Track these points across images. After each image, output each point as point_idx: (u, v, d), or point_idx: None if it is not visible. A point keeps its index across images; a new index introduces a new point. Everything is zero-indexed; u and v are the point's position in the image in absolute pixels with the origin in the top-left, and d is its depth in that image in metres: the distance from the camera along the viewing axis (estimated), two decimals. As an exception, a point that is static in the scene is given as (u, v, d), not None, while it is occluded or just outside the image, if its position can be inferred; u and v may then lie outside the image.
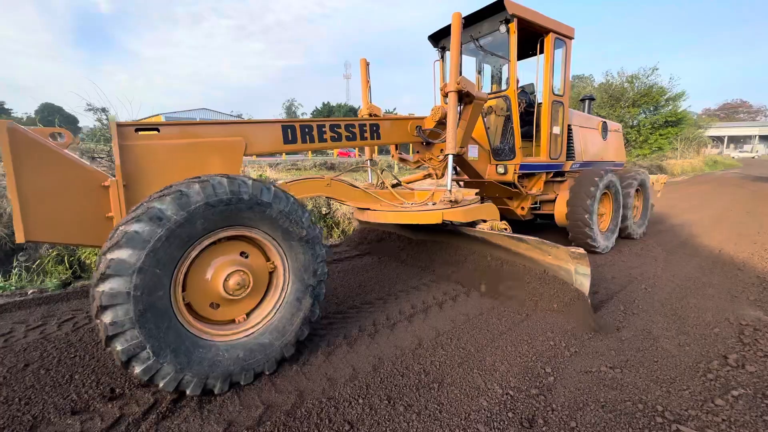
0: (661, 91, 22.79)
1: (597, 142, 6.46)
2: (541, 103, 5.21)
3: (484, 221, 4.00)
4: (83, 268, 4.58)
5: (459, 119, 3.99)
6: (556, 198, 5.64)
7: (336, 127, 3.66)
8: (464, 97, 3.82)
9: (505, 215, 6.03)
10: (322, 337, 2.93)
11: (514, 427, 1.97)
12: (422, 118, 4.27)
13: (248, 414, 2.06)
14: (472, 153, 4.96)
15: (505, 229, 4.05)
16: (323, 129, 3.57)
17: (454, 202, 3.68)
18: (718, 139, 46.52)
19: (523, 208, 5.70)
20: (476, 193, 4.55)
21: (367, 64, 4.94)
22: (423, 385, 2.34)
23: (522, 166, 4.99)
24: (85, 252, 4.65)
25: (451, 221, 3.81)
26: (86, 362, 2.55)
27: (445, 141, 3.80)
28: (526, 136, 5.44)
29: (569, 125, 5.71)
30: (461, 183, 5.92)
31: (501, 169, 5.00)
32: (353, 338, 2.91)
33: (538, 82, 5.18)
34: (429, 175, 5.19)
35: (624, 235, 6.34)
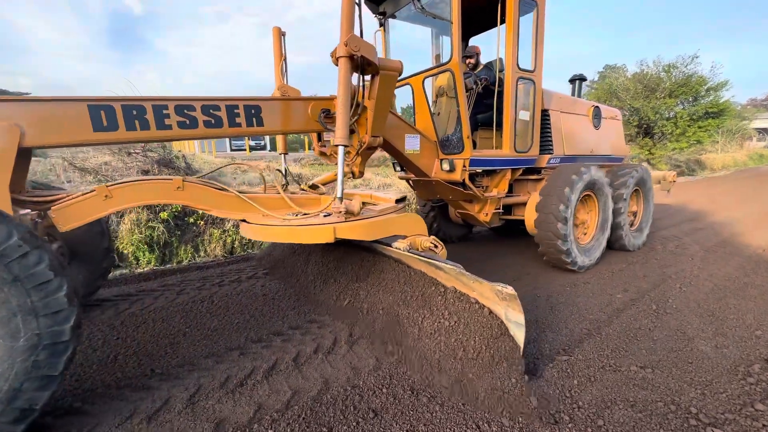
0: (702, 80, 21.03)
1: (586, 131, 5.27)
2: (503, 82, 4.07)
3: (404, 237, 2.96)
4: (121, 258, 4.90)
5: (364, 97, 2.96)
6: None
7: (187, 109, 2.68)
8: (366, 67, 2.77)
9: (471, 222, 4.94)
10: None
11: (539, 422, 1.94)
12: (328, 99, 3.24)
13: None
14: (411, 145, 3.90)
15: (435, 248, 3.02)
16: (164, 111, 2.61)
17: (350, 214, 2.65)
18: (765, 132, 43.05)
19: (486, 214, 4.60)
20: (430, 199, 3.56)
21: (282, 35, 3.92)
22: None
23: (473, 162, 3.91)
24: (122, 243, 4.96)
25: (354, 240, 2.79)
26: (128, 344, 2.81)
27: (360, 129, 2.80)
28: (488, 123, 4.32)
29: (545, 110, 4.56)
30: (412, 182, 4.86)
31: (446, 165, 3.92)
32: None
33: (500, 53, 4.04)
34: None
35: (616, 247, 5.17)
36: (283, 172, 3.57)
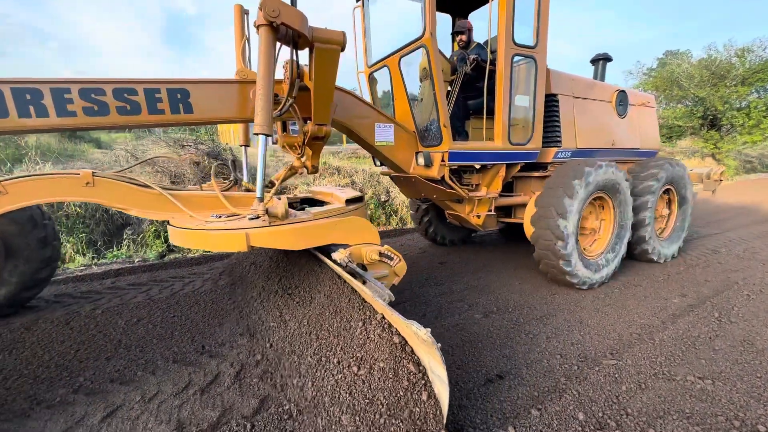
0: (784, 65, 18.57)
1: (607, 120, 4.45)
2: (495, 60, 3.42)
3: (346, 246, 2.47)
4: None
5: (299, 75, 2.49)
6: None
7: (95, 93, 2.34)
8: (296, 39, 2.30)
9: (464, 225, 4.33)
10: None
11: (589, 427, 1.88)
12: (275, 81, 2.79)
13: None
14: (383, 136, 3.37)
15: (390, 260, 2.53)
16: (66, 96, 2.29)
17: (273, 217, 2.20)
18: None
19: (478, 216, 3.98)
20: (418, 198, 3.02)
21: (244, 13, 3.51)
22: None
23: (454, 156, 3.31)
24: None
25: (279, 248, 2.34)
26: (183, 322, 2.93)
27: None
28: (481, 111, 3.68)
29: (552, 95, 3.84)
30: (392, 179, 4.32)
31: (421, 160, 3.36)
32: None
33: (491, 28, 3.38)
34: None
35: (640, 259, 4.35)
36: (231, 167, 3.17)
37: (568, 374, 2.31)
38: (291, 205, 3.43)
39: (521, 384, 2.22)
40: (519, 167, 3.85)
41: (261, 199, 2.25)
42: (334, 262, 2.40)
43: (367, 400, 1.65)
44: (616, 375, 2.31)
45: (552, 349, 2.59)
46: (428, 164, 3.34)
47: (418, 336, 1.55)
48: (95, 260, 5.02)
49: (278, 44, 2.33)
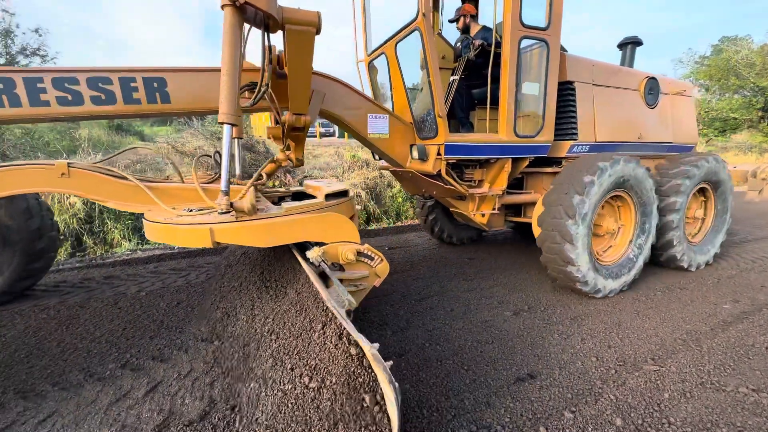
0: None
1: (634, 110, 4.01)
2: (500, 44, 3.12)
3: (322, 245, 2.31)
4: None
5: (273, 61, 2.34)
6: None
7: (68, 83, 2.30)
8: (267, 21, 2.14)
9: (468, 223, 4.05)
10: None
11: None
12: (254, 69, 2.68)
13: None
14: (376, 127, 3.17)
15: (371, 260, 2.36)
16: (39, 85, 2.26)
17: (240, 212, 2.07)
18: None
19: (483, 215, 3.70)
20: (420, 194, 2.81)
21: None
22: None
23: (450, 149, 3.06)
24: None
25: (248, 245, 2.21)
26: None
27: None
28: (490, 101, 3.39)
29: (568, 82, 3.48)
30: (392, 173, 4.10)
31: (416, 153, 3.12)
32: None
33: (497, 8, 3.07)
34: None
35: (668, 266, 3.91)
36: (214, 158, 3.07)
37: (604, 378, 2.19)
38: (282, 198, 3.31)
39: (554, 385, 2.13)
40: (527, 162, 3.52)
41: (226, 193, 2.11)
42: (307, 261, 2.25)
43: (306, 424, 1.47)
44: (658, 382, 2.17)
45: (587, 351, 2.48)
46: (423, 158, 3.11)
47: (366, 352, 1.35)
48: (140, 245, 5.31)
49: (248, 27, 2.18)
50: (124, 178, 2.57)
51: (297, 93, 2.38)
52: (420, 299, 3.32)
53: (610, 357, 2.41)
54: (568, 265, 3.02)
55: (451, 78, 3.65)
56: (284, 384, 1.67)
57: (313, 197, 3.05)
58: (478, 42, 3.37)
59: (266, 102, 2.45)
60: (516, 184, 4.09)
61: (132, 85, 2.47)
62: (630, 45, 4.43)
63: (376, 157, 4.03)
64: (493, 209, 3.65)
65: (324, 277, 2.22)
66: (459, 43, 3.61)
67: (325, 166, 8.67)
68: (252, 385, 1.87)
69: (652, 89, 4.09)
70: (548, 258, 3.17)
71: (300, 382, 1.65)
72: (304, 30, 2.20)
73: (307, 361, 1.74)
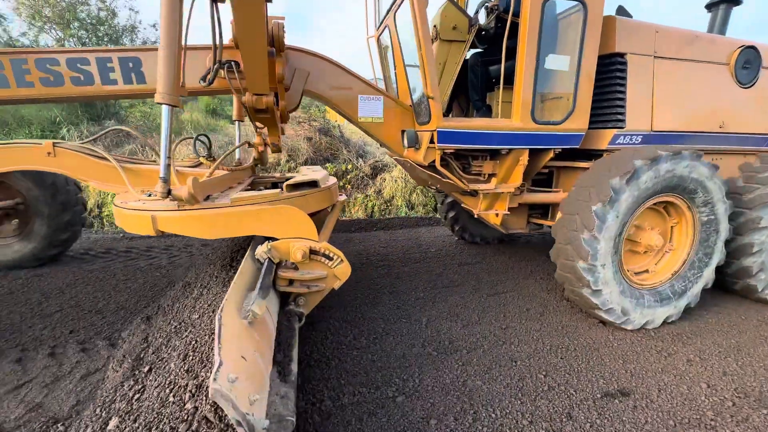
0: None
1: (717, 90, 3.08)
2: (519, 8, 2.54)
3: (273, 240, 2.12)
4: None
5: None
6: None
7: (50, 64, 2.38)
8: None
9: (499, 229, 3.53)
10: None
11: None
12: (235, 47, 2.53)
13: None
14: (369, 110, 2.84)
15: (329, 260, 2.15)
16: (23, 66, 2.36)
17: (179, 200, 1.95)
18: None
19: (497, 214, 3.18)
20: (428, 186, 2.50)
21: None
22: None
23: (444, 136, 2.61)
24: None
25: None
26: None
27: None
28: (505, 80, 2.85)
29: (616, 54, 2.77)
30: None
31: (406, 140, 2.72)
32: None
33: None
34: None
35: (748, 297, 3.01)
36: (207, 143, 3.01)
37: (718, 410, 1.92)
38: (275, 185, 3.17)
39: (651, 407, 1.92)
40: (550, 155, 2.89)
41: (164, 180, 1.99)
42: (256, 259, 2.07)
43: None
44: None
45: (695, 376, 2.18)
46: (413, 146, 2.70)
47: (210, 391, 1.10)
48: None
49: (194, -3, 1.99)
50: (105, 158, 2.62)
51: (252, 70, 2.14)
52: (492, 294, 3.20)
53: (726, 386, 2.08)
54: (583, 288, 2.42)
55: (469, 53, 3.13)
56: (153, 396, 1.49)
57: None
58: (492, 3, 2.80)
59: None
60: (546, 179, 3.46)
61: (108, 65, 2.46)
62: (723, 4, 3.38)
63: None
64: (509, 208, 3.09)
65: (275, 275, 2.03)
66: (477, 12, 3.06)
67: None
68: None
69: (748, 62, 3.09)
70: (562, 276, 2.59)
71: (164, 393, 1.46)
72: (255, -2, 1.94)
73: (184, 371, 1.55)
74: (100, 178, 2.63)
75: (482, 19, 2.99)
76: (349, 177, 6.97)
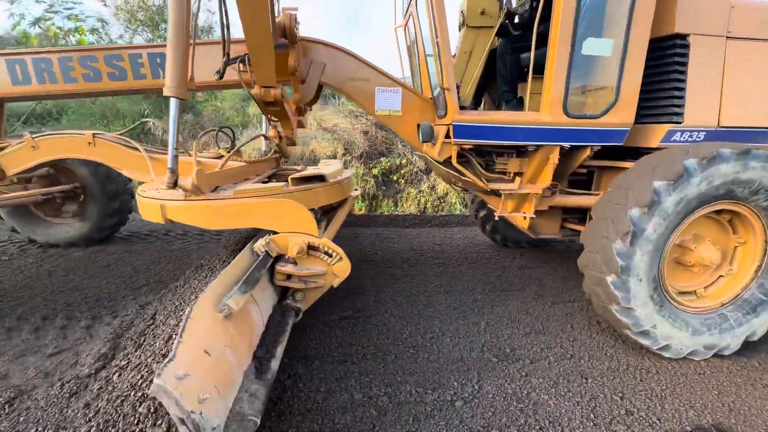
0: None
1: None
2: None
3: (273, 234, 2.13)
4: None
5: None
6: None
7: (90, 60, 2.59)
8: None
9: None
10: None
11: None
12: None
13: None
14: (385, 103, 2.75)
15: (329, 256, 2.13)
16: (69, 63, 2.60)
17: (193, 191, 2.02)
18: None
19: (525, 217, 2.93)
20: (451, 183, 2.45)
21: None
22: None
23: (460, 130, 2.41)
24: None
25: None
26: None
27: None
28: (534, 69, 2.59)
29: (674, 36, 2.37)
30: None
31: (420, 135, 2.56)
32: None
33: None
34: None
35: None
36: (231, 136, 3.10)
37: None
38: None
39: None
40: (587, 153, 2.55)
41: (172, 170, 2.07)
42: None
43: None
44: None
45: None
46: (428, 140, 2.53)
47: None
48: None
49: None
50: (136, 149, 2.81)
51: (258, 62, 2.14)
52: (557, 302, 3.00)
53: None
54: (612, 304, 2.10)
55: (499, 41, 2.87)
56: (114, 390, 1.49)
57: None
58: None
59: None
60: (586, 180, 3.09)
61: (139, 61, 2.61)
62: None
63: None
64: (536, 211, 2.81)
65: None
66: None
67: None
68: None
69: None
70: (589, 288, 2.28)
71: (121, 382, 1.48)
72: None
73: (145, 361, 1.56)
74: (131, 166, 2.82)
75: (514, 1, 2.72)
76: (402, 171, 6.93)
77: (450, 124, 2.40)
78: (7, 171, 2.81)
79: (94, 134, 2.77)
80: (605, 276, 2.09)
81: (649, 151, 2.58)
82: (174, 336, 1.61)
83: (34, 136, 2.77)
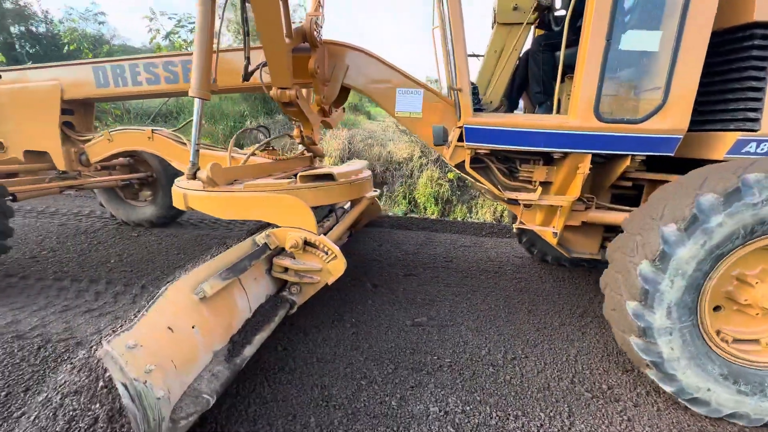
0: None
1: None
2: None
3: (275, 227, 2.26)
4: (415, 205, 6.41)
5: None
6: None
7: (152, 66, 3.03)
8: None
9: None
10: None
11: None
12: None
13: None
14: (407, 105, 2.71)
15: (326, 253, 2.22)
16: (137, 69, 3.06)
17: (208, 182, 2.24)
18: None
19: (555, 232, 2.66)
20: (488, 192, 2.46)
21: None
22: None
23: (473, 133, 2.26)
24: (417, 193, 6.36)
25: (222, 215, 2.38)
26: None
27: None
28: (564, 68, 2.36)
29: (742, 26, 1.97)
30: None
31: (434, 137, 2.46)
32: None
33: None
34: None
35: None
36: (267, 134, 3.33)
37: None
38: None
39: None
40: (626, 163, 2.19)
41: (192, 163, 2.29)
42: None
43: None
44: None
45: None
46: (440, 143, 2.42)
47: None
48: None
49: None
50: (184, 144, 3.17)
51: (273, 64, 2.27)
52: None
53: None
54: (632, 336, 1.78)
55: (532, 39, 2.64)
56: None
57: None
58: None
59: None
60: (636, 195, 2.68)
61: (188, 66, 2.94)
62: None
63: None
64: (569, 226, 2.51)
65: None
66: None
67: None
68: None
69: None
70: (609, 314, 1.97)
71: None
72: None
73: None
74: (180, 159, 3.19)
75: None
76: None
77: (462, 126, 2.27)
78: (92, 159, 3.38)
79: (153, 130, 3.20)
80: (623, 301, 1.79)
81: (711, 163, 2.15)
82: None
83: (110, 130, 3.30)
